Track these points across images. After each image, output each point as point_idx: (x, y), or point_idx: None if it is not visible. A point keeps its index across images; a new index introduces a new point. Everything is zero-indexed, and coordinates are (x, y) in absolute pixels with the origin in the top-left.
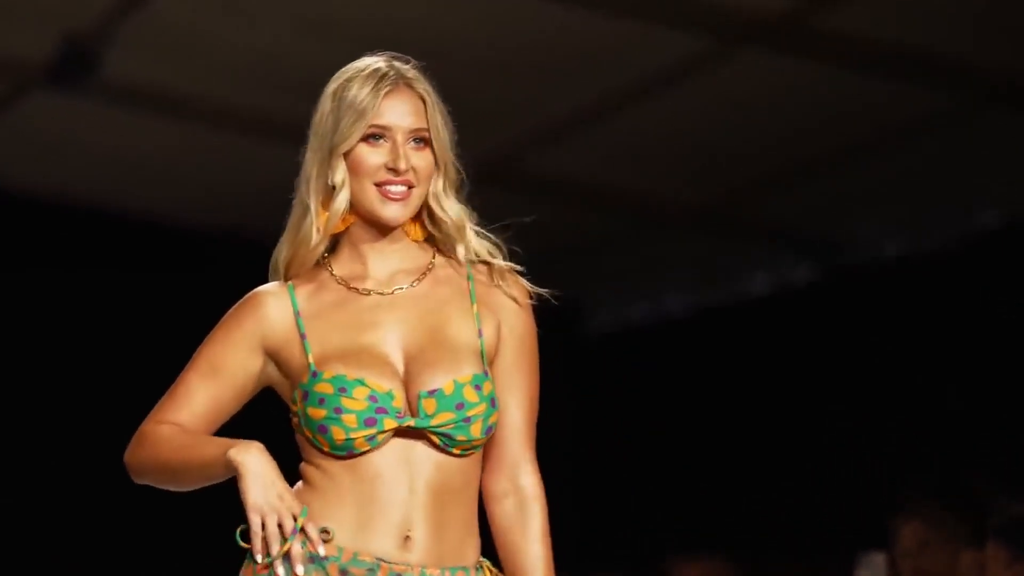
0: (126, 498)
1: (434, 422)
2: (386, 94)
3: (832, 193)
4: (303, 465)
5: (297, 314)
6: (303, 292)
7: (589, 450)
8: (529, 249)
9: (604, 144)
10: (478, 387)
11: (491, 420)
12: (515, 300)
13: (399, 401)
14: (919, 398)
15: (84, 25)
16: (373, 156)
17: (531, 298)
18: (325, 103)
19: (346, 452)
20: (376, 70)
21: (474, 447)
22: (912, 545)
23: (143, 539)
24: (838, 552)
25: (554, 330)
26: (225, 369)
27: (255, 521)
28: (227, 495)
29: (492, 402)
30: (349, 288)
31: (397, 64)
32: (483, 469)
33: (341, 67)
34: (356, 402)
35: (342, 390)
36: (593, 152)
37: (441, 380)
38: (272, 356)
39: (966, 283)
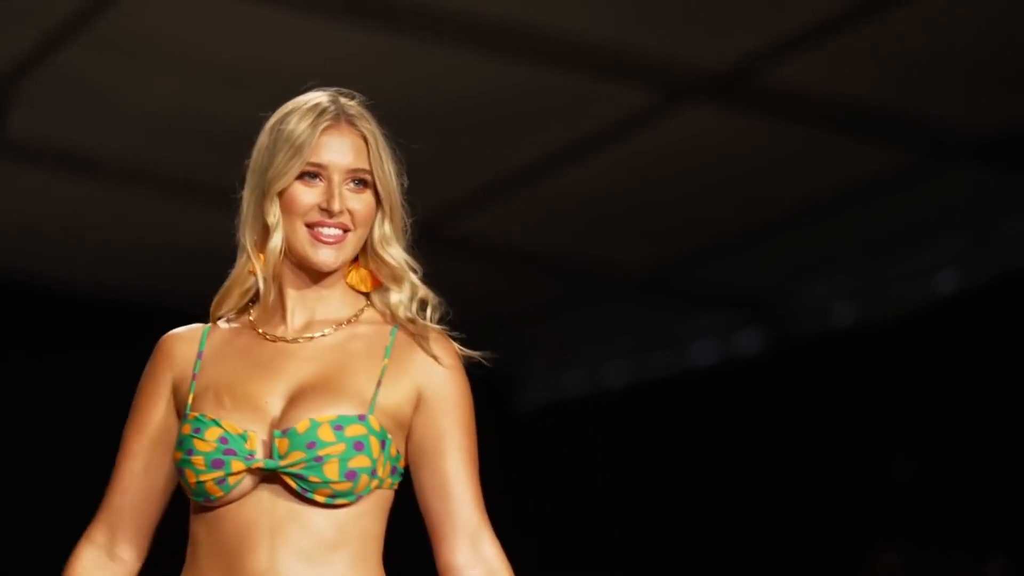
0: None
1: (284, 462)
2: (324, 130)
3: (781, 257)
4: None
5: (199, 356)
6: (217, 335)
7: (523, 530)
8: (459, 316)
9: (541, 204)
10: (339, 427)
11: (353, 464)
12: (437, 360)
13: (252, 443)
14: (871, 471)
15: None
16: (307, 195)
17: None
18: (263, 138)
19: (203, 498)
20: (316, 105)
21: (339, 493)
22: None
23: None
24: None
25: (484, 403)
26: (153, 432)
27: None
28: None
29: (357, 445)
30: (258, 333)
31: (343, 100)
32: (438, 541)
33: (259, 120)
34: (206, 443)
35: (196, 431)
36: (529, 213)
37: (297, 419)
38: (173, 400)
39: (919, 351)
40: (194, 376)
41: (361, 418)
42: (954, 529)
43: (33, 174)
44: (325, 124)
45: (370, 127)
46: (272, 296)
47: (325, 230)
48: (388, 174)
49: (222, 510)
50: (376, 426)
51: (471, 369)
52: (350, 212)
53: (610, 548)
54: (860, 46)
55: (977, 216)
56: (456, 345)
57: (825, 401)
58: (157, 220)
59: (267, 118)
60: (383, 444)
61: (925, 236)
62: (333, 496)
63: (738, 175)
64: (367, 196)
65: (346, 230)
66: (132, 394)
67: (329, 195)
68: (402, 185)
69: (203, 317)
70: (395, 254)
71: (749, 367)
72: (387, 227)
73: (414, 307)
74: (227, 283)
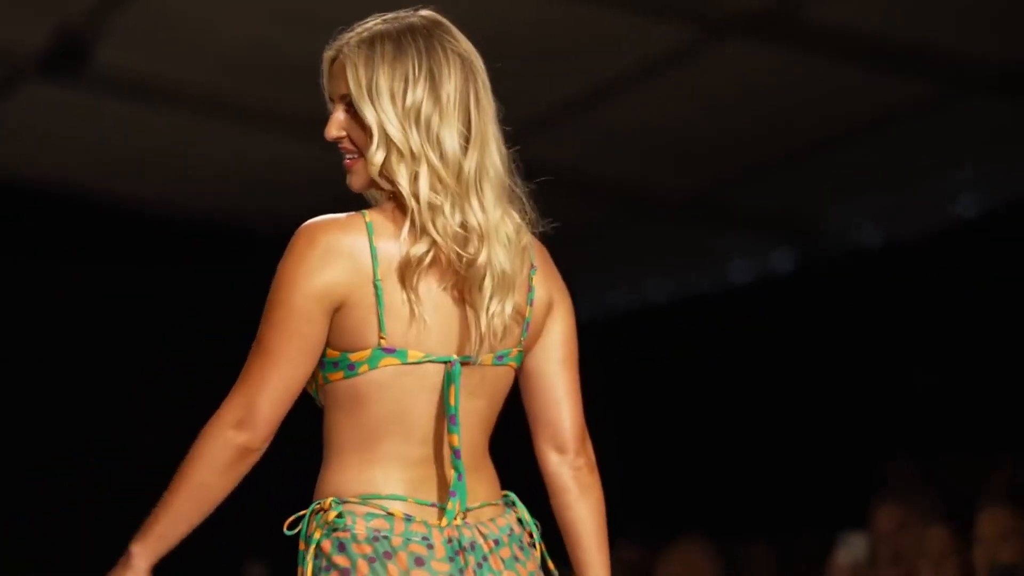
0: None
1: None
2: (330, 61)
3: (813, 181)
4: None
5: None
6: None
7: None
8: None
9: (589, 133)
10: None
11: None
12: None
13: None
14: (894, 382)
15: (76, 16)
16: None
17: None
18: None
19: None
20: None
21: (310, 397)
22: (889, 527)
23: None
24: (821, 533)
25: None
26: None
27: None
28: None
29: None
30: None
31: (356, 28)
32: None
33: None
34: None
35: None
36: (577, 141)
37: None
38: None
39: (940, 269)
40: None
41: None
42: (968, 435)
43: (117, 105)
44: (327, 54)
45: (353, 50)
46: None
47: (344, 155)
48: (364, 94)
49: None
50: None
51: None
52: (350, 137)
53: (648, 452)
54: None
55: (995, 144)
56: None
57: (852, 316)
58: (233, 147)
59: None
60: None
61: (946, 162)
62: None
63: (771, 105)
64: (356, 118)
65: (358, 154)
66: (203, 307)
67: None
68: (400, 102)
69: (272, 238)
70: (395, 177)
71: (782, 284)
72: (376, 153)
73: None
74: None
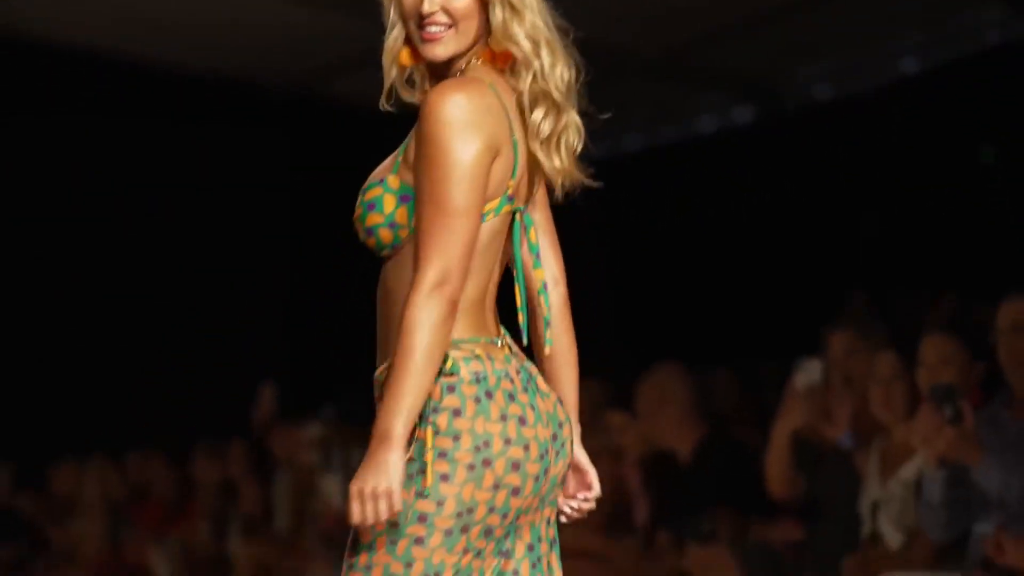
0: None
1: None
2: None
3: (772, 44)
4: None
5: None
6: None
7: None
8: None
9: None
10: (363, 192)
11: (368, 222)
12: (420, 115)
13: None
14: (846, 224)
15: None
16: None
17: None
18: None
19: None
20: None
21: (375, 247)
22: (842, 353)
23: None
24: (781, 359)
25: None
26: None
27: None
28: None
29: (371, 206)
30: None
31: None
32: None
33: None
34: None
35: None
36: (560, 9)
37: None
38: None
39: (886, 122)
40: None
41: (380, 181)
42: (913, 272)
43: None
44: None
45: None
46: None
47: (428, 28)
48: None
49: None
50: (394, 184)
51: None
52: (447, 11)
53: (626, 286)
54: None
55: (934, 11)
56: (434, 98)
57: (806, 164)
58: (240, 8)
59: None
60: (403, 198)
61: (892, 27)
62: (376, 249)
63: None
64: None
65: (448, 25)
66: (211, 157)
67: None
68: None
69: (276, 92)
70: (519, 40)
71: (743, 136)
72: (499, 14)
73: (530, 94)
74: None
